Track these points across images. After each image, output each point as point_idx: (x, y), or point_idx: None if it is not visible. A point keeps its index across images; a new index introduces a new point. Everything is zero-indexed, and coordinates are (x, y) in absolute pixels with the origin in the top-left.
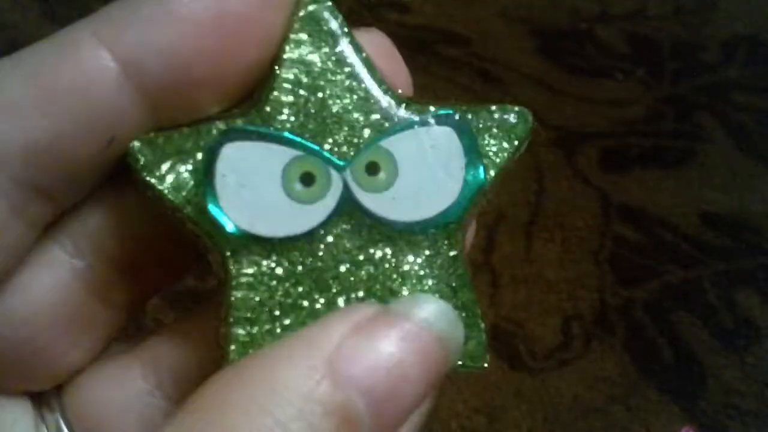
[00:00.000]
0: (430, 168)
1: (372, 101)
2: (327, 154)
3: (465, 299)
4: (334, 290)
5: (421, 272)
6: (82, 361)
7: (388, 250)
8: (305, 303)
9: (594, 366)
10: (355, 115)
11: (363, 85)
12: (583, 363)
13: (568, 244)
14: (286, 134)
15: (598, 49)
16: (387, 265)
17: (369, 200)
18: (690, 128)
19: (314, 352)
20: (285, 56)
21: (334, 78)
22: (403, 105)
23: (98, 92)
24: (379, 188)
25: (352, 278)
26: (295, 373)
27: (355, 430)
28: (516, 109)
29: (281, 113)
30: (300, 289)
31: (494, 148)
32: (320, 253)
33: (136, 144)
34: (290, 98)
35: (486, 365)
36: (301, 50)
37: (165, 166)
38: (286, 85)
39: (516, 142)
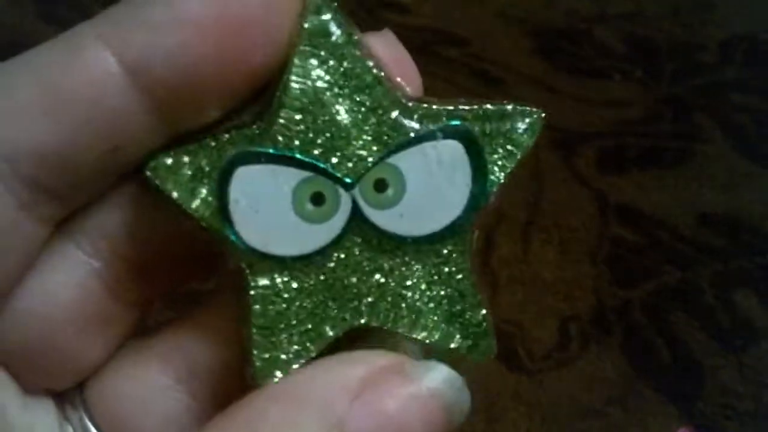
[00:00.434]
0: (436, 182)
1: (380, 113)
2: (336, 173)
3: (473, 303)
4: (347, 297)
5: (429, 279)
6: (101, 358)
7: (398, 260)
8: (319, 310)
9: (591, 367)
10: (364, 128)
11: (371, 98)
12: (580, 364)
13: (566, 245)
14: (296, 155)
15: (596, 49)
16: (397, 273)
17: (378, 217)
18: (688, 129)
19: (330, 399)
20: (293, 70)
21: (341, 92)
22: (412, 114)
23: (104, 97)
24: (387, 204)
25: (363, 287)
26: (311, 419)
27: None
28: (527, 111)
29: (290, 130)
30: (314, 299)
31: (502, 156)
32: (332, 266)
33: (153, 163)
34: (299, 116)
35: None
36: (308, 64)
37: (184, 186)
38: (295, 102)
39: (525, 148)
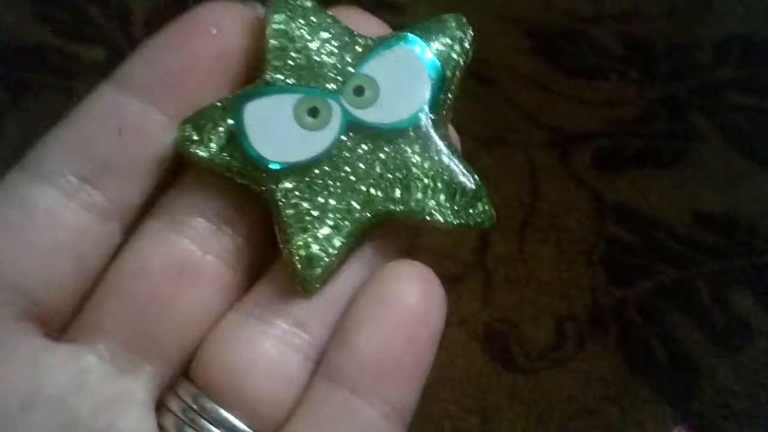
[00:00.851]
0: (401, 77)
1: (347, 46)
2: (322, 91)
3: (464, 166)
4: (360, 188)
5: (420, 157)
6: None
7: (391, 147)
8: (341, 205)
9: (587, 366)
10: (337, 58)
11: (337, 37)
12: (576, 363)
13: (562, 245)
14: (289, 82)
15: (591, 49)
16: (394, 157)
17: (363, 114)
18: (684, 128)
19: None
20: (269, 33)
21: (312, 37)
22: (368, 40)
23: None
24: (368, 103)
25: (369, 172)
26: None
27: None
28: (451, 17)
29: (280, 73)
30: (332, 188)
31: (445, 53)
32: (339, 163)
33: (181, 126)
34: (282, 62)
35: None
36: (281, 25)
37: (206, 137)
38: (277, 53)
39: (463, 45)
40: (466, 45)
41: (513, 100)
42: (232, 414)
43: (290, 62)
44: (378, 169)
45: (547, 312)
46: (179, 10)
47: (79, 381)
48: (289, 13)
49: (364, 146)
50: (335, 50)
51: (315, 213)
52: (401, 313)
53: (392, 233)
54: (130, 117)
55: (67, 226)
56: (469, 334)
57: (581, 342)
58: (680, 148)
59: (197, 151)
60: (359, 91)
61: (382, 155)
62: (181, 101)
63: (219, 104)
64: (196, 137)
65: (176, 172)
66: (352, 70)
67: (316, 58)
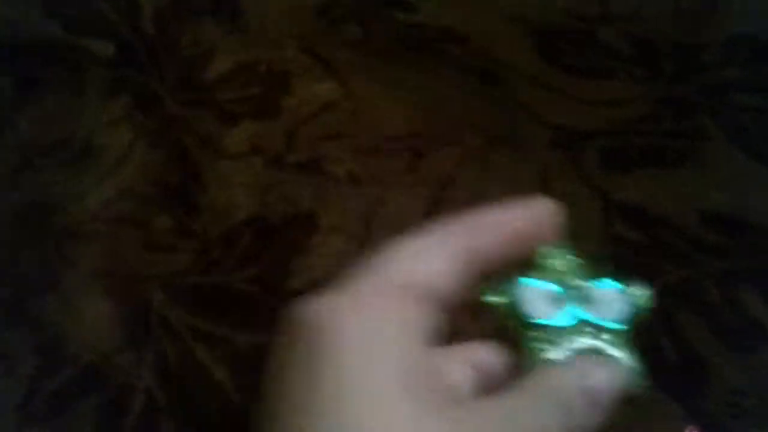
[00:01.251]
0: (612, 300)
1: (583, 271)
2: (567, 290)
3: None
4: (573, 338)
5: (614, 340)
6: None
7: (595, 331)
8: (562, 342)
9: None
10: (577, 276)
11: (580, 266)
12: None
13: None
14: (549, 279)
15: (597, 49)
16: (596, 336)
17: (589, 309)
18: (691, 128)
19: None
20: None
21: (564, 262)
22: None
23: None
24: (592, 306)
25: (582, 338)
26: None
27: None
28: (642, 288)
29: (542, 272)
30: (558, 340)
31: (637, 300)
32: (568, 331)
33: (484, 286)
34: (544, 268)
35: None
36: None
37: (498, 292)
38: (543, 262)
39: (647, 305)
40: (648, 304)
41: (520, 100)
42: None
43: (549, 268)
44: (588, 339)
45: None
46: (186, 6)
47: None
48: (559, 257)
49: (583, 326)
50: (576, 270)
51: (547, 346)
52: None
53: None
54: None
55: None
56: (479, 332)
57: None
58: (686, 148)
59: (490, 298)
60: (587, 298)
61: (588, 335)
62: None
63: (509, 275)
64: (492, 290)
65: None
66: (583, 284)
67: (565, 270)
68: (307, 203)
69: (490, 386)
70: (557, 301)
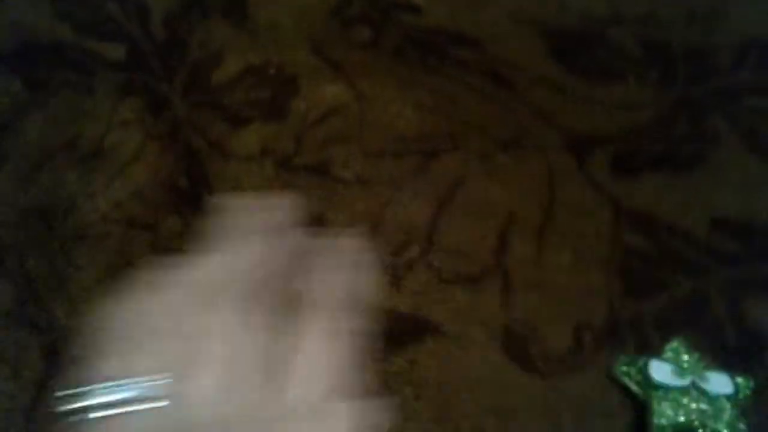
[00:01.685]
0: (722, 384)
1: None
2: (684, 369)
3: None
4: (686, 403)
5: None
6: None
7: (710, 400)
8: (680, 406)
9: (604, 372)
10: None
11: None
12: (593, 368)
13: (579, 251)
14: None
15: (609, 52)
16: (710, 404)
17: (703, 384)
18: (702, 132)
19: None
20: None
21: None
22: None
23: None
24: (707, 382)
25: (699, 404)
26: None
27: None
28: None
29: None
30: (678, 402)
31: (741, 388)
32: (683, 395)
33: (620, 364)
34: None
35: None
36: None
37: (633, 370)
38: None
39: (746, 395)
40: (748, 392)
41: (530, 102)
42: None
43: (673, 355)
44: (702, 405)
45: (565, 318)
46: (196, 8)
47: None
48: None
49: (696, 392)
50: (695, 359)
51: (667, 404)
52: None
53: None
54: None
55: None
56: (487, 335)
57: (599, 348)
58: (698, 152)
59: (624, 367)
60: (701, 378)
61: (699, 401)
62: None
63: (642, 356)
64: (626, 369)
65: None
66: (699, 367)
67: (686, 358)
68: (316, 205)
69: None
70: (678, 374)
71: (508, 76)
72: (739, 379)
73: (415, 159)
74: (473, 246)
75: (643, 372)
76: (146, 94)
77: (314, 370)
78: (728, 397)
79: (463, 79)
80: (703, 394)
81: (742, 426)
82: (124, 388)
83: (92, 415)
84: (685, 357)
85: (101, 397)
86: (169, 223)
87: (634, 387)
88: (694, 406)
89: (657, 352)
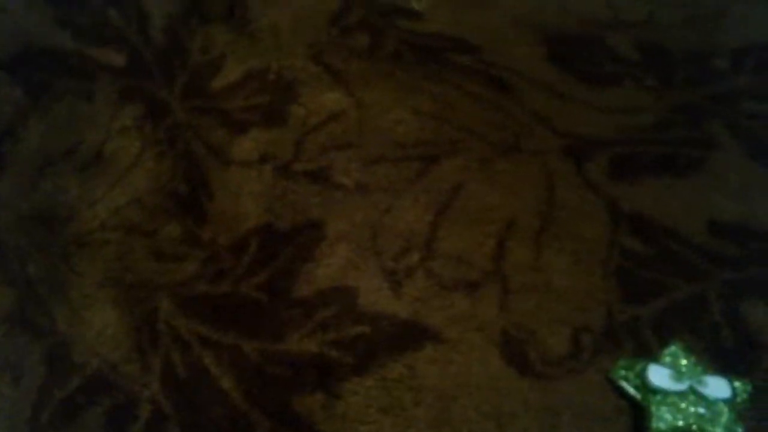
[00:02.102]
0: (720, 386)
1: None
2: (680, 373)
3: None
4: (685, 407)
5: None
6: None
7: (707, 404)
8: (674, 408)
9: (603, 376)
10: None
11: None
12: (592, 372)
13: (578, 255)
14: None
15: (608, 56)
16: (707, 408)
17: (700, 388)
18: (700, 136)
19: None
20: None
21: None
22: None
23: None
24: (704, 386)
25: (696, 409)
26: None
27: None
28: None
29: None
30: (672, 406)
31: (739, 391)
32: (682, 399)
33: (618, 371)
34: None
35: None
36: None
37: (631, 374)
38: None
39: (744, 398)
40: (746, 395)
41: (529, 107)
42: None
43: (671, 360)
44: (700, 409)
45: (563, 321)
46: (196, 14)
47: None
48: (679, 354)
49: (694, 396)
50: (693, 363)
51: (665, 408)
52: None
53: None
54: None
55: None
56: (486, 340)
57: (597, 353)
58: (696, 156)
59: (622, 372)
60: (699, 381)
61: (697, 404)
62: None
63: (641, 360)
64: (624, 373)
65: None
66: (698, 371)
67: (684, 362)
68: (315, 212)
69: None
70: (676, 378)
71: (508, 81)
72: (737, 383)
73: (415, 165)
74: (472, 252)
75: (642, 376)
76: (146, 100)
77: None
78: (726, 401)
79: (462, 84)
80: (701, 398)
81: (739, 429)
82: None
83: None
84: (684, 361)
85: None
86: (169, 229)
87: (632, 391)
88: (692, 410)
89: (655, 356)
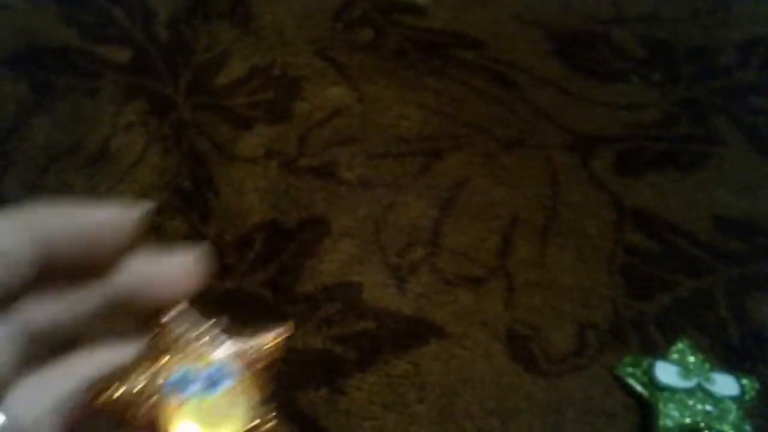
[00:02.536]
0: (729, 384)
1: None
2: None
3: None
4: (693, 404)
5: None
6: None
7: (714, 401)
8: (681, 405)
9: (608, 372)
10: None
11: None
12: (597, 368)
13: (582, 251)
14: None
15: (613, 52)
16: (714, 405)
17: (707, 385)
18: (705, 131)
19: None
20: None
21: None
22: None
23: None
24: (711, 383)
25: (705, 406)
26: None
27: None
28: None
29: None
30: (683, 402)
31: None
32: (689, 396)
33: (626, 368)
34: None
35: None
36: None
37: (639, 371)
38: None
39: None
40: (753, 393)
41: (533, 103)
42: None
43: (678, 357)
44: (707, 406)
45: (568, 318)
46: (201, 11)
47: None
48: (686, 351)
49: (701, 393)
50: (701, 361)
51: (673, 406)
52: None
53: None
54: None
55: None
56: (491, 336)
57: (602, 348)
58: (701, 152)
59: (629, 369)
60: (707, 379)
61: (704, 401)
62: None
63: (648, 357)
64: (631, 369)
65: None
66: (705, 368)
67: (692, 360)
68: (319, 207)
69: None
70: (683, 375)
71: (512, 77)
72: (745, 381)
73: (418, 160)
74: (477, 247)
75: (649, 373)
76: (150, 97)
77: None
78: (734, 399)
79: (466, 80)
80: (709, 395)
81: (747, 427)
82: None
83: None
84: (691, 358)
85: None
86: (174, 224)
87: (639, 388)
88: (699, 407)
89: (661, 352)
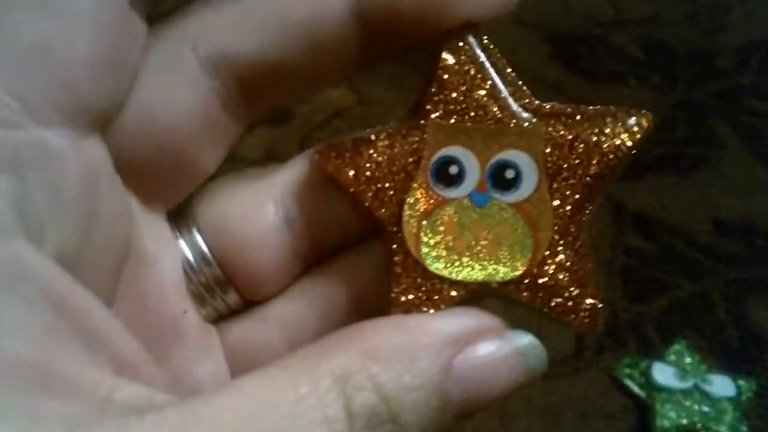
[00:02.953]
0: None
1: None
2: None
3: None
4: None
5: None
6: (210, 169)
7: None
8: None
9: (607, 375)
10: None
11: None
12: (596, 371)
13: None
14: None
15: (612, 54)
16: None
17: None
18: (704, 134)
19: (440, 344)
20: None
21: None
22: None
23: (325, 25)
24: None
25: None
26: (425, 357)
27: (445, 410)
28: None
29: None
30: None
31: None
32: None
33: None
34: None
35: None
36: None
37: (636, 374)
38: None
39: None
40: (751, 393)
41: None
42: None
43: (676, 358)
44: (704, 407)
45: None
46: None
47: None
48: (684, 352)
49: (698, 394)
50: (698, 361)
51: (670, 406)
52: None
53: None
54: None
55: None
56: None
57: (600, 351)
58: (700, 154)
59: (627, 371)
60: (704, 379)
61: (701, 402)
62: None
63: (645, 359)
64: (629, 371)
65: None
66: (702, 369)
67: (689, 360)
68: None
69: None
70: (681, 376)
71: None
72: (742, 382)
73: None
74: None
75: (646, 374)
76: None
77: None
78: (730, 400)
79: None
80: (706, 396)
81: (743, 428)
82: None
83: None
84: (688, 360)
85: None
86: None
87: (636, 389)
88: (696, 408)
89: (659, 354)
